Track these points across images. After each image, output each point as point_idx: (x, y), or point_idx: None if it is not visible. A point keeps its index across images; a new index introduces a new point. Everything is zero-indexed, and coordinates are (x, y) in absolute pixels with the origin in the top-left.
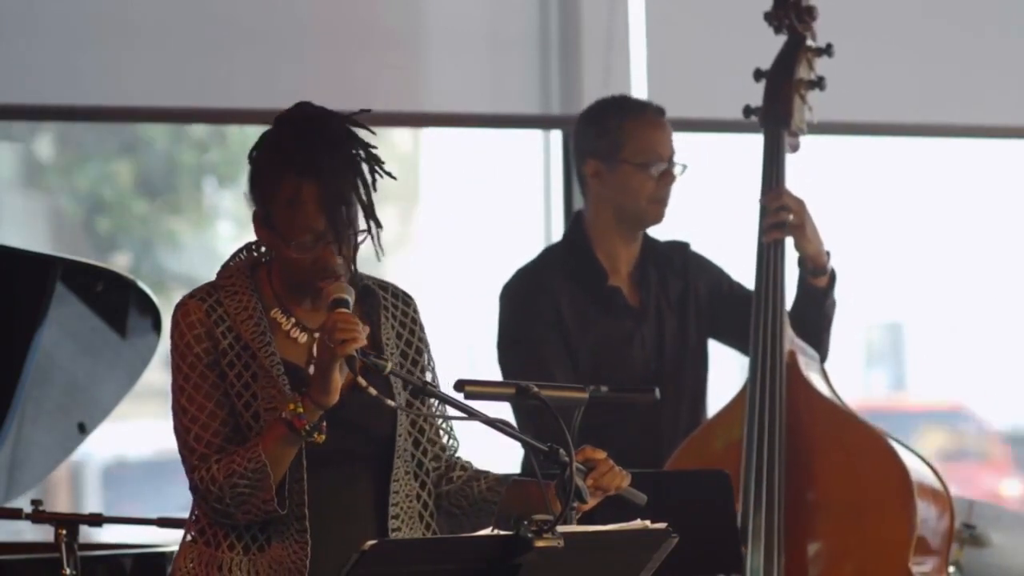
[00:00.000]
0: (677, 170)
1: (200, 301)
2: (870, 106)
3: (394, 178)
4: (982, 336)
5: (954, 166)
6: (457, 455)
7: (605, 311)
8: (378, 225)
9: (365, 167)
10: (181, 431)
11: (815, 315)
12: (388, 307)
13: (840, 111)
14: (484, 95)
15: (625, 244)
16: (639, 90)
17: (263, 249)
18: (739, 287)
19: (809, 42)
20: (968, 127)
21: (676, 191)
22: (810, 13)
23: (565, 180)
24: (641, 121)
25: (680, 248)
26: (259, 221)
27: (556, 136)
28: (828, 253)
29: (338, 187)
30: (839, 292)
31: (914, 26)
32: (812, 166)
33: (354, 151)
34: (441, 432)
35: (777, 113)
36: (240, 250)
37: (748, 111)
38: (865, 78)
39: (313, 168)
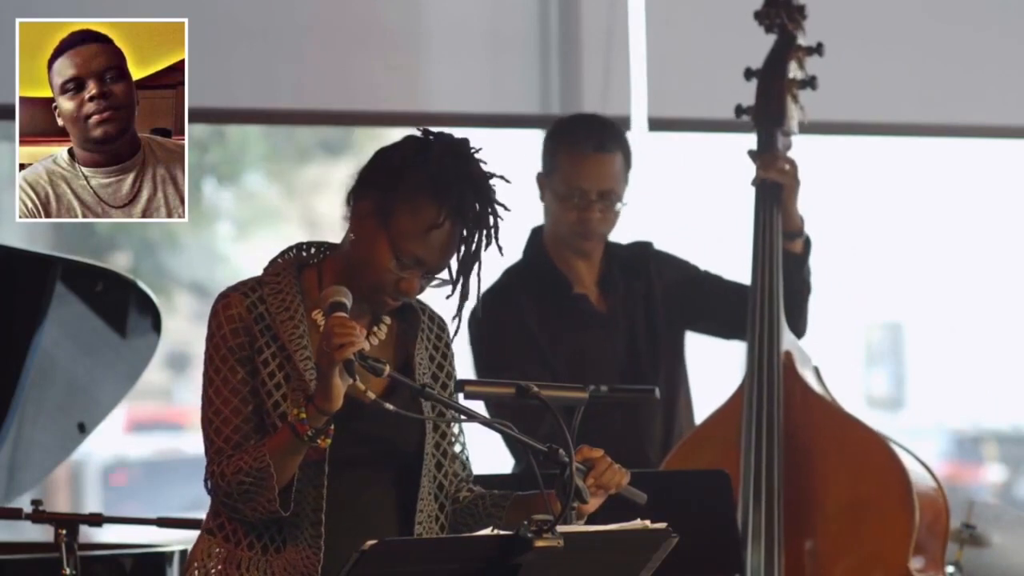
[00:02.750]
0: (617, 206)
1: (243, 296)
2: (870, 106)
3: (501, 253)
4: (982, 336)
5: (954, 166)
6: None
7: (574, 321)
8: (464, 295)
9: (491, 222)
10: (204, 422)
11: (796, 283)
12: (424, 328)
13: (840, 111)
14: (484, 95)
15: (583, 253)
16: (639, 90)
17: (312, 251)
18: (709, 275)
19: (800, 41)
20: (968, 127)
21: (677, 192)
22: (801, 12)
23: None
24: (573, 155)
25: (642, 248)
26: (369, 214)
27: None
28: (802, 218)
29: (465, 237)
30: (838, 292)
31: (914, 26)
32: (812, 166)
33: (490, 208)
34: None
35: (771, 112)
36: (289, 249)
37: (740, 110)
38: (865, 77)
39: (457, 210)
